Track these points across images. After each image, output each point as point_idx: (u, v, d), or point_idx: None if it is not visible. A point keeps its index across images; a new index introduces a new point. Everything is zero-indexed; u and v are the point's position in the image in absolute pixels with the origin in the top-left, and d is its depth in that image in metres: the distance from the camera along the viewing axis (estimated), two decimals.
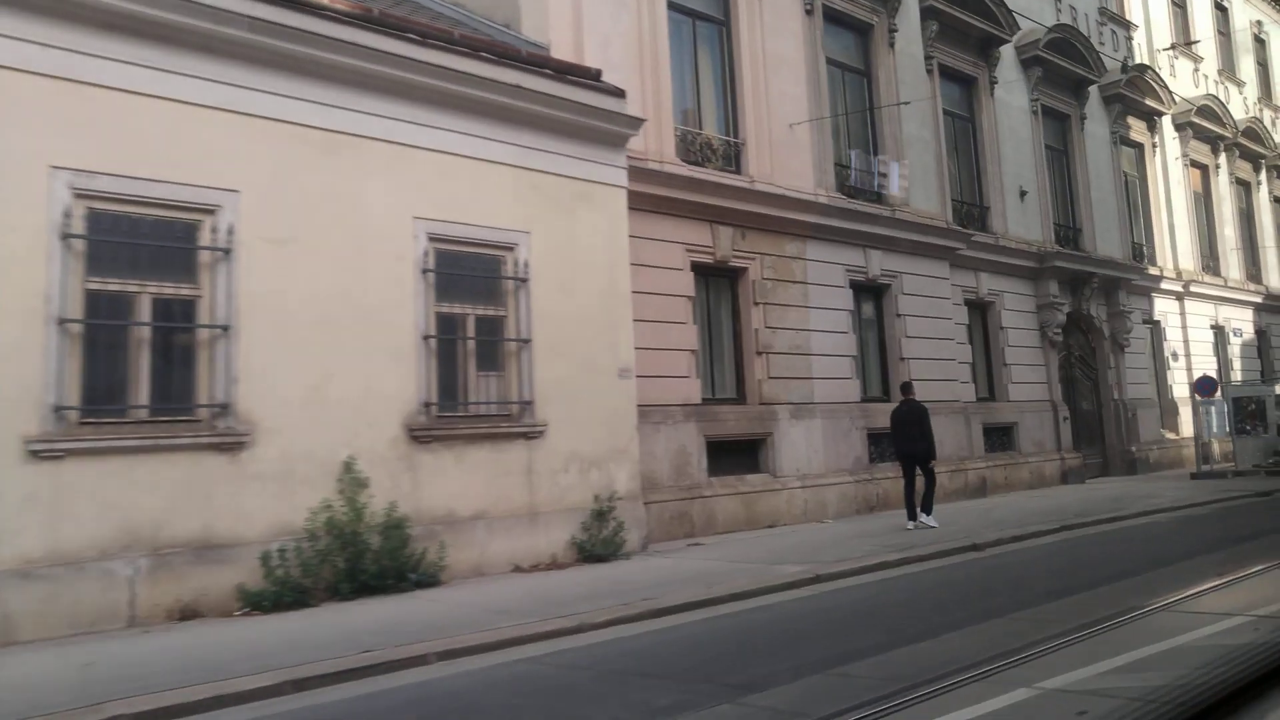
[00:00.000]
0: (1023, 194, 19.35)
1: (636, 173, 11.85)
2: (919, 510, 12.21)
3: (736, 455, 12.78)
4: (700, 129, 13.46)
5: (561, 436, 9.70)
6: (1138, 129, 23.81)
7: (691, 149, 13.16)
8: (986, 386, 18.18)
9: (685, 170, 12.58)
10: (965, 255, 17.40)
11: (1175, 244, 24.31)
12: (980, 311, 18.32)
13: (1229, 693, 1.49)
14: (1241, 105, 28.60)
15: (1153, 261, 23.63)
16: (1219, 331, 25.75)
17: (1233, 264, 26.66)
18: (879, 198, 15.83)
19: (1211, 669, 1.63)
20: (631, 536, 10.17)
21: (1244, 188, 28.45)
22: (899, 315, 15.64)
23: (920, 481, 12.22)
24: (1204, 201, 26.36)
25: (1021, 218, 19.28)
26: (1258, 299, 27.24)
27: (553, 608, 7.04)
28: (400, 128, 8.92)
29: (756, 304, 13.42)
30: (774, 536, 11.49)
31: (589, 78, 10.71)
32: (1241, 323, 26.51)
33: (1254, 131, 27.99)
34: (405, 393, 8.62)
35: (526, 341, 9.61)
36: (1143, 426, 21.41)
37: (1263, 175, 29.02)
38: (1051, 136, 21.08)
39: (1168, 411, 22.96)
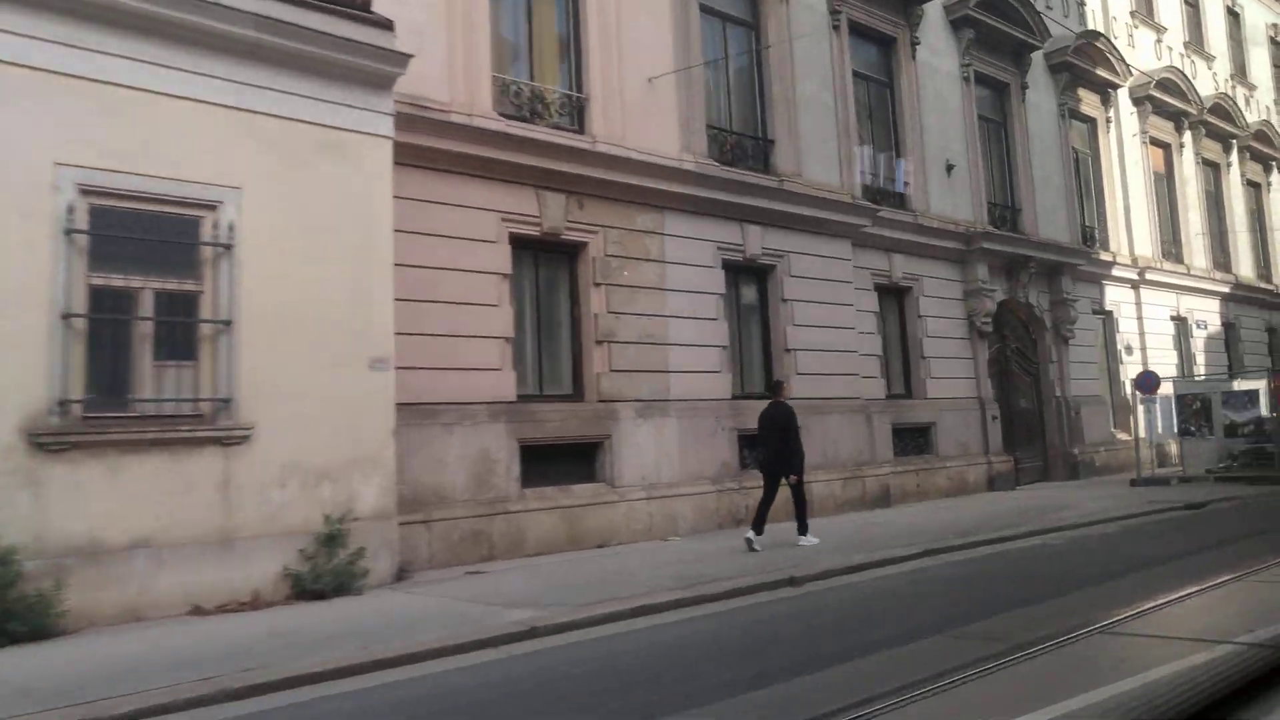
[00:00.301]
0: (949, 168, 17.39)
1: (432, 125, 9.96)
2: (798, 531, 10.36)
3: (564, 462, 10.85)
4: (532, 79, 11.52)
5: (278, 442, 7.77)
6: (1090, 102, 21.84)
7: (516, 101, 11.22)
8: (903, 382, 16.24)
9: (501, 125, 10.63)
10: (876, 234, 15.46)
11: (1131, 228, 22.34)
12: (896, 298, 16.37)
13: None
14: (1211, 81, 26.63)
15: (1105, 246, 21.68)
16: (1181, 323, 23.79)
17: (1198, 251, 24.69)
18: (766, 165, 13.90)
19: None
20: (380, 565, 8.24)
21: (1212, 169, 26.47)
22: (785, 300, 13.69)
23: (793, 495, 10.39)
24: (1166, 183, 24.38)
25: (948, 194, 17.32)
26: (1225, 289, 25.27)
27: (164, 673, 5.18)
28: (41, 49, 6.99)
29: (598, 285, 11.49)
30: (583, 561, 9.56)
31: (349, 4, 8.77)
32: (1206, 314, 24.56)
33: (1223, 109, 26.01)
34: (28, 388, 6.69)
35: (227, 324, 7.67)
36: (1089, 426, 19.47)
37: (1233, 156, 27.04)
38: (987, 106, 19.13)
39: (1120, 410, 20.99)
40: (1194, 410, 16.40)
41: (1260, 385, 15.97)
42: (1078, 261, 19.56)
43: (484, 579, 8.58)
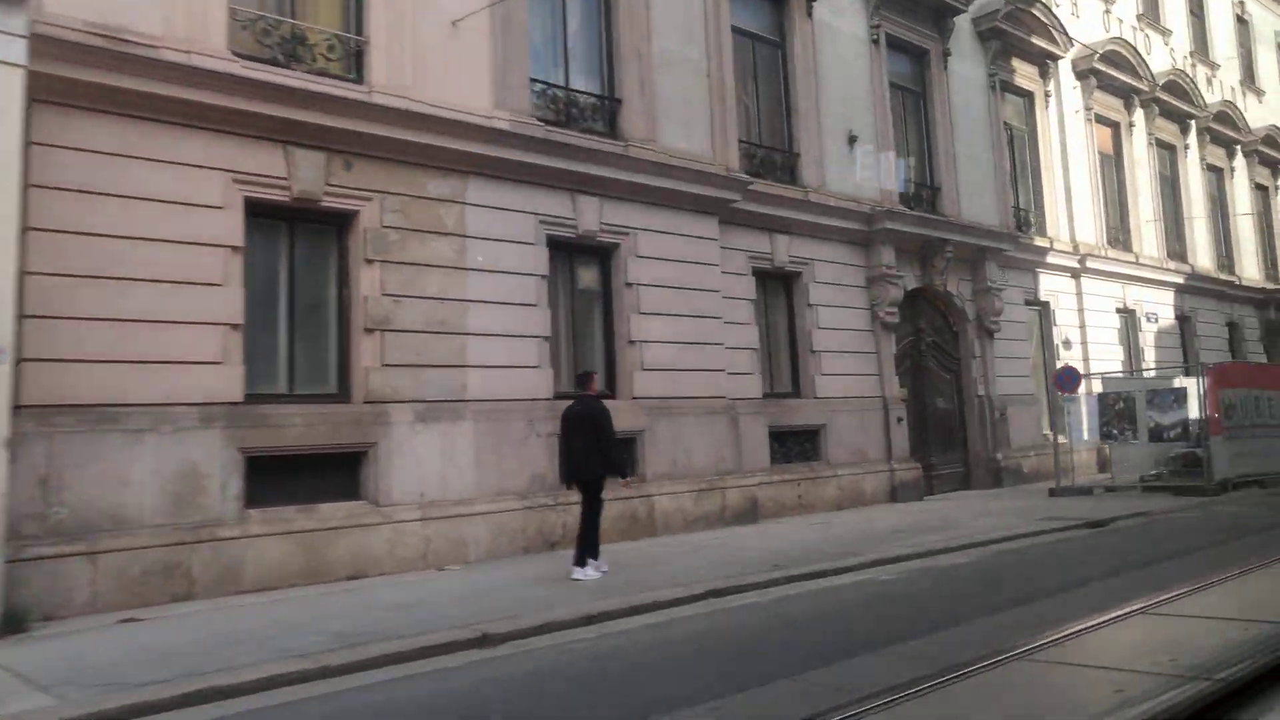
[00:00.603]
0: (851, 140, 15.51)
1: (134, 63, 8.06)
2: (584, 556, 8.56)
3: (312, 477, 8.94)
4: (294, 16, 9.61)
5: None
6: (1026, 74, 19.97)
7: (265, 41, 9.31)
8: (789, 379, 14.37)
9: (235, 67, 8.72)
10: (755, 212, 13.58)
11: (1073, 212, 20.47)
12: (782, 284, 14.49)
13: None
14: (1167, 57, 24.79)
15: (1042, 231, 19.82)
16: (1129, 316, 21.95)
17: (1149, 238, 22.82)
18: (612, 128, 12.02)
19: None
20: None
21: (1167, 152, 24.61)
22: (630, 285, 11.79)
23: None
24: (1114, 165, 22.52)
25: (849, 169, 15.44)
26: (1179, 279, 23.42)
27: None
28: None
29: (371, 262, 9.58)
30: (299, 601, 7.66)
31: None
32: (1158, 306, 22.70)
33: (1179, 87, 24.15)
34: None
35: None
36: (1016, 429, 17.61)
37: (1191, 138, 25.19)
38: (903, 74, 17.26)
39: (1057, 410, 19.11)
40: (1117, 411, 14.53)
41: (1191, 383, 14.10)
42: (1004, 246, 17.68)
43: (129, 630, 6.69)
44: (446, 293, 10.02)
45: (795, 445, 13.90)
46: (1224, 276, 25.60)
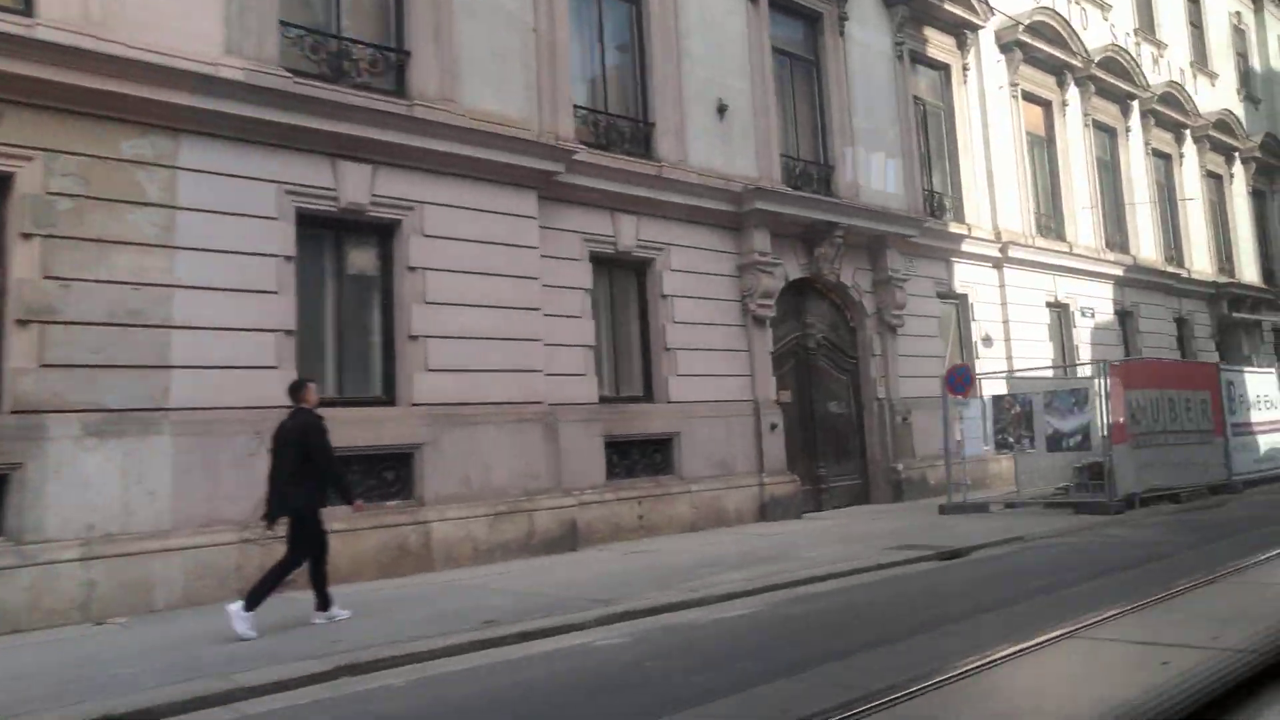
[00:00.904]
0: (721, 110, 13.67)
1: None
2: (326, 597, 6.83)
3: None
4: None
5: None
6: (941, 45, 18.21)
7: None
8: (639, 381, 12.52)
9: None
10: (595, 188, 11.76)
11: (995, 196, 18.69)
12: (632, 272, 12.64)
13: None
14: (1108, 32, 23.06)
15: (959, 217, 18.03)
16: (1061, 311, 20.19)
17: (1084, 226, 21.06)
18: (399, 84, 10.14)
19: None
20: None
21: (1107, 134, 22.89)
22: (413, 269, 9.90)
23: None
24: (1045, 146, 20.78)
25: (719, 142, 13.61)
26: (1119, 271, 21.67)
27: None
28: None
29: (29, 237, 7.67)
30: None
31: None
32: (1095, 300, 20.95)
33: (1118, 64, 22.43)
34: None
35: None
36: (922, 435, 15.76)
37: (1133, 120, 23.46)
38: (790, 39, 15.47)
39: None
40: (1014, 416, 12.71)
41: (1092, 384, 12.29)
42: (908, 232, 15.86)
43: None
44: (144, 276, 8.12)
45: (641, 457, 12.03)
46: (1171, 269, 23.87)
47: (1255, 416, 14.33)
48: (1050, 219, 20.44)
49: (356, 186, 9.52)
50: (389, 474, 9.42)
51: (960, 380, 12.95)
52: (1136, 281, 22.28)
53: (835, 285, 15.16)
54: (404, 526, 9.23)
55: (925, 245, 16.69)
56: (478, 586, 8.17)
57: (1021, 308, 18.76)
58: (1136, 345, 22.23)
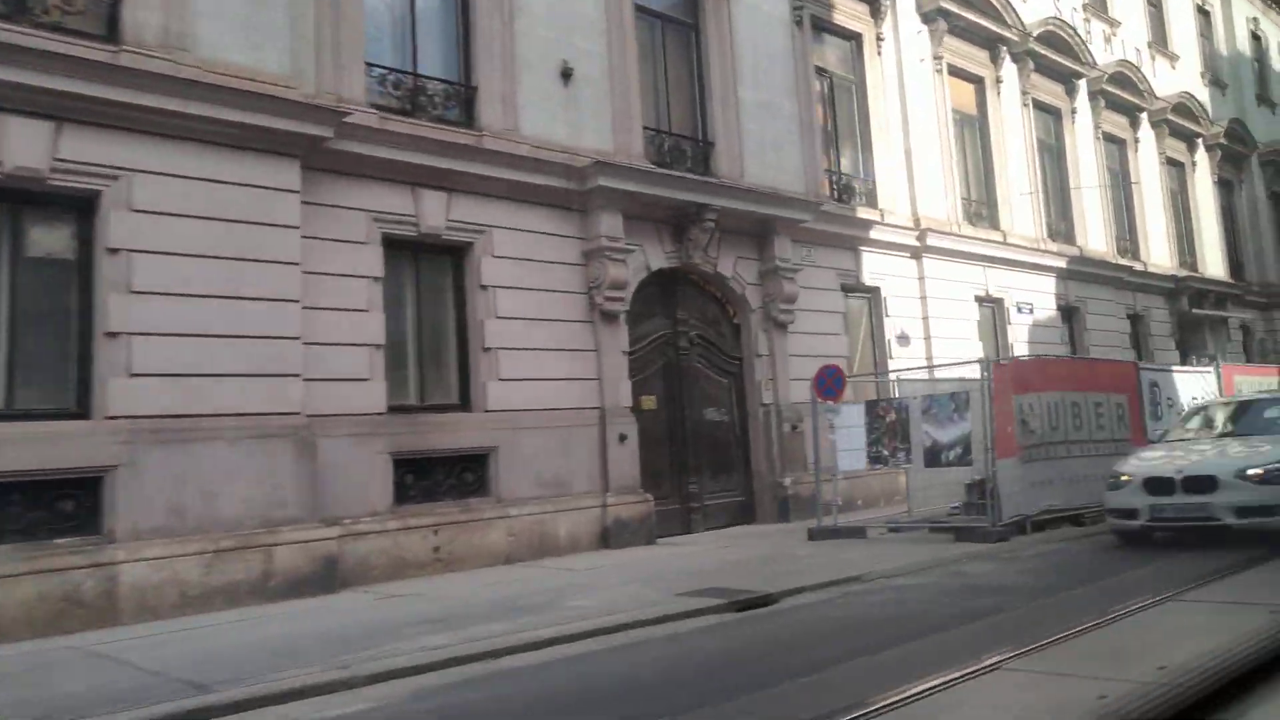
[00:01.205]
0: (566, 74, 11.85)
1: None
2: None
3: None
4: None
5: None
6: (851, 11, 16.42)
7: None
8: (455, 387, 10.69)
9: None
10: (393, 160, 9.95)
11: (914, 178, 16.89)
12: (446, 259, 10.82)
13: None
14: (1050, 5, 21.25)
15: (871, 201, 16.23)
16: (995, 306, 18.38)
17: (1022, 214, 19.25)
18: (111, 31, 8.32)
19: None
20: None
21: (1051, 115, 21.09)
22: (114, 251, 8.05)
23: None
24: (978, 127, 18.99)
25: (562, 111, 11.79)
26: (1061, 263, 19.86)
27: None
28: None
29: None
30: None
31: None
32: (1034, 294, 19.13)
33: (1060, 39, 20.63)
34: None
35: None
36: (814, 446, 13.90)
37: (1080, 101, 21.66)
38: None
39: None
40: (889, 425, 10.86)
41: (973, 387, 10.40)
42: (799, 216, 14.03)
43: None
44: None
45: (447, 477, 10.19)
46: (1123, 261, 22.06)
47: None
48: (983, 206, 18.64)
49: (34, 149, 7.68)
50: (66, 504, 7.58)
51: (831, 383, 11.10)
52: (1083, 274, 20.46)
53: (713, 276, 13.35)
54: (77, 570, 7.38)
55: (827, 232, 14.89)
56: (106, 655, 6.31)
57: (945, 302, 16.95)
58: (1084, 344, 20.43)
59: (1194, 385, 13.15)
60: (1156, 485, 8.74)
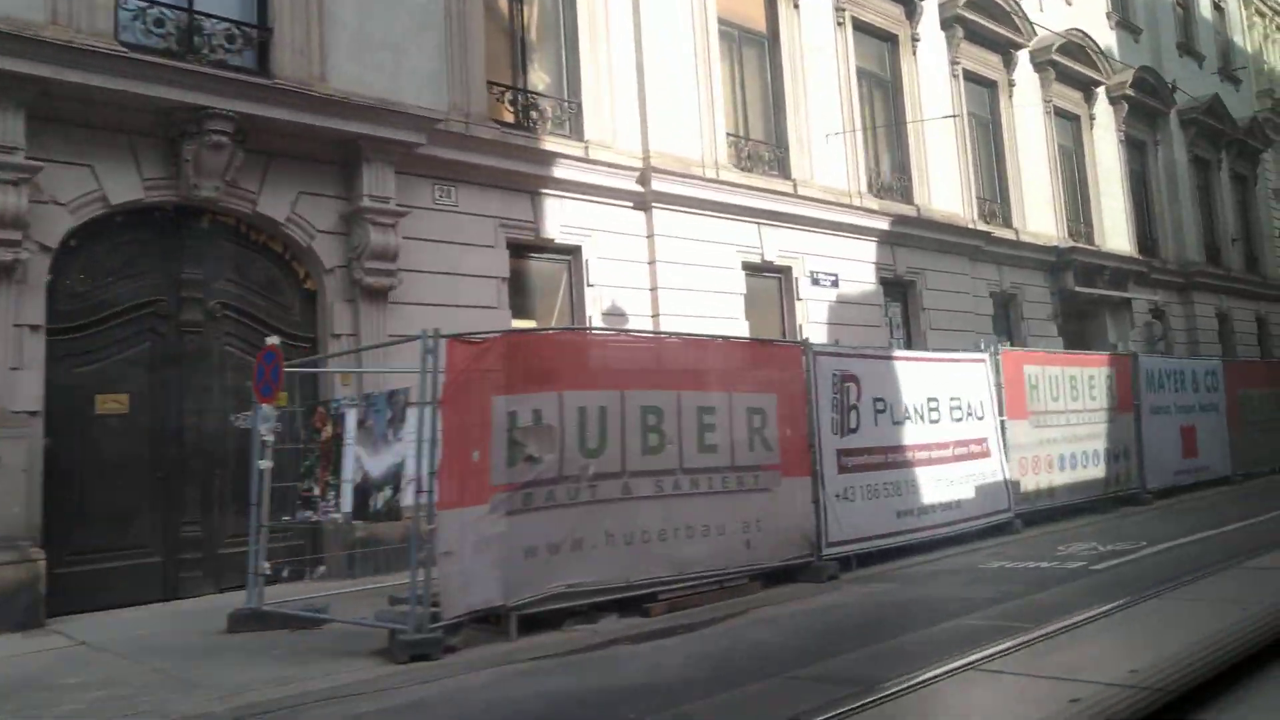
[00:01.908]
0: None
1: None
2: None
3: None
4: None
5: None
6: None
7: None
8: None
9: None
10: None
11: (646, 104, 12.62)
12: None
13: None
14: None
15: (574, 130, 12.00)
16: (781, 276, 14.15)
17: (827, 160, 14.94)
18: None
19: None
20: None
21: (882, 43, 16.84)
22: None
23: None
24: (762, 46, 14.73)
25: None
26: (883, 224, 15.61)
27: None
28: None
29: None
30: None
31: None
32: (841, 263, 14.88)
33: None
34: None
35: None
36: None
37: (924, 27, 17.34)
38: None
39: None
40: (323, 443, 6.44)
41: (425, 388, 6.06)
42: (405, 137, 9.76)
43: None
44: None
45: None
46: (981, 227, 17.82)
47: (916, 435, 8.12)
48: (764, 146, 14.38)
49: None
50: None
51: (270, 375, 6.84)
52: (920, 240, 16.23)
53: (258, 220, 9.13)
54: None
55: (486, 167, 10.71)
56: None
57: (688, 269, 12.69)
58: (920, 326, 16.23)
59: (945, 381, 8.87)
60: None
